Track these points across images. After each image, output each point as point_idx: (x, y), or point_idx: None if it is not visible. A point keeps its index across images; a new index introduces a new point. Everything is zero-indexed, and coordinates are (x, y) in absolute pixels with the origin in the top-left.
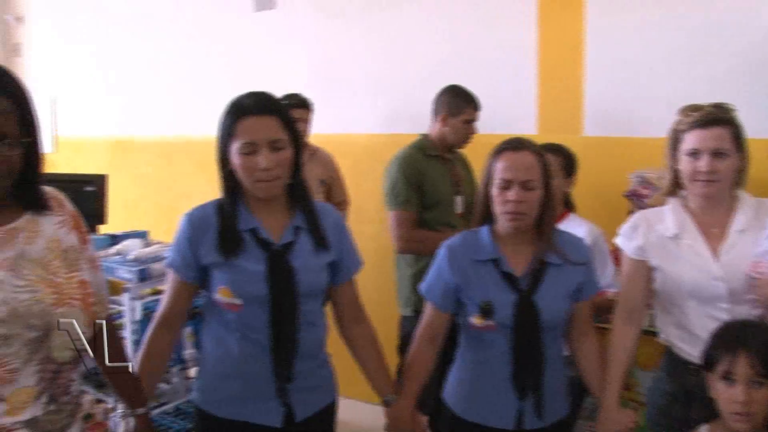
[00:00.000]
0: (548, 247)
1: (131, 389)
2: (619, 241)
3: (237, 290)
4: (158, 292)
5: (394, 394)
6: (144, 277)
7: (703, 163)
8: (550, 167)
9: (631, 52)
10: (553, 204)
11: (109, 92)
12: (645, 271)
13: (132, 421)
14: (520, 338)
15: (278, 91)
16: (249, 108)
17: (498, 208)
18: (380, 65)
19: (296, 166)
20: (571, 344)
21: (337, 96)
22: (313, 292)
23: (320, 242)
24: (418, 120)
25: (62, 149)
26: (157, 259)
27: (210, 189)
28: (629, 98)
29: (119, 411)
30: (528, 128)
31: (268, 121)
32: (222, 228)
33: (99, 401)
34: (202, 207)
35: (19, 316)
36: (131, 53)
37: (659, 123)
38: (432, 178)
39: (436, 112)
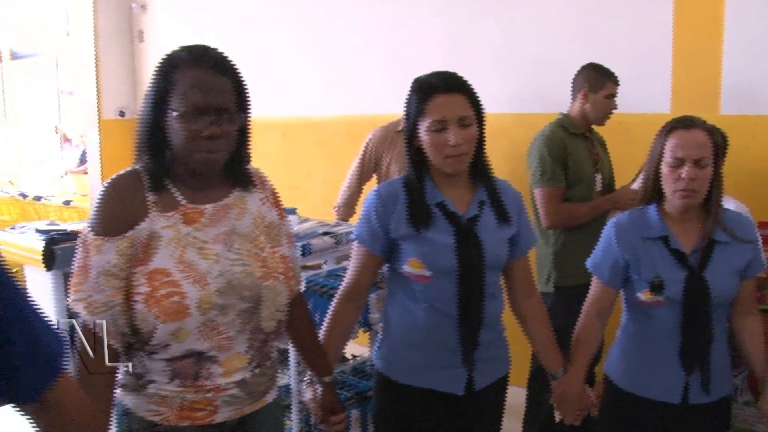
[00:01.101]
0: (717, 224)
1: (318, 358)
2: None
3: (427, 262)
4: (307, 268)
5: (563, 368)
6: (306, 252)
7: None
8: (720, 145)
9: None
10: (721, 182)
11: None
12: None
13: (319, 389)
14: (690, 314)
15: (405, 70)
16: (438, 86)
17: (669, 185)
18: (509, 43)
19: (480, 143)
20: (734, 322)
21: (466, 74)
22: (497, 265)
23: (502, 216)
24: (546, 99)
25: None
26: (314, 234)
27: (330, 167)
28: None
29: (306, 378)
30: (662, 107)
31: (456, 98)
32: (411, 202)
33: None
34: (390, 182)
35: (234, 287)
36: (251, 36)
37: None
38: (575, 155)
39: (577, 89)
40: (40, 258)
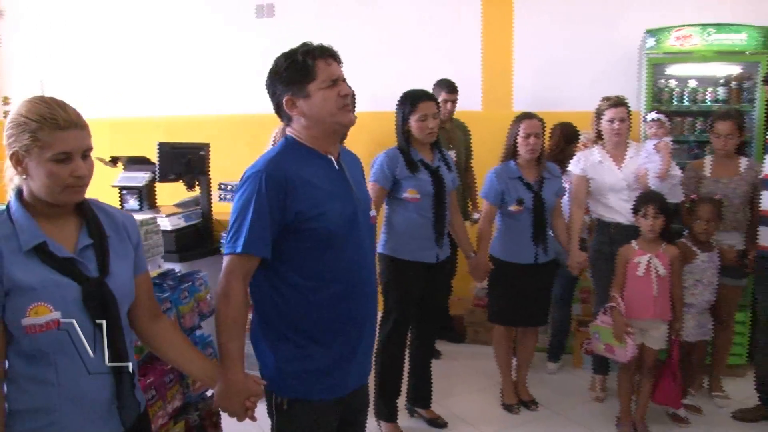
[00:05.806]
0: (544, 168)
1: None
2: (571, 167)
3: (419, 190)
4: None
5: (473, 252)
6: None
7: (615, 125)
8: (544, 127)
9: (550, 52)
10: (544, 146)
11: (100, 78)
12: (585, 181)
13: None
14: (536, 214)
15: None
16: (423, 96)
17: (522, 148)
18: (373, 53)
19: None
20: (552, 221)
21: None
22: (449, 192)
23: (448, 166)
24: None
25: None
26: None
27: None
28: (549, 83)
29: None
30: (475, 106)
31: (432, 103)
32: (406, 159)
33: None
34: (392, 149)
35: None
36: (131, 50)
37: (573, 100)
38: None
39: None
40: None
